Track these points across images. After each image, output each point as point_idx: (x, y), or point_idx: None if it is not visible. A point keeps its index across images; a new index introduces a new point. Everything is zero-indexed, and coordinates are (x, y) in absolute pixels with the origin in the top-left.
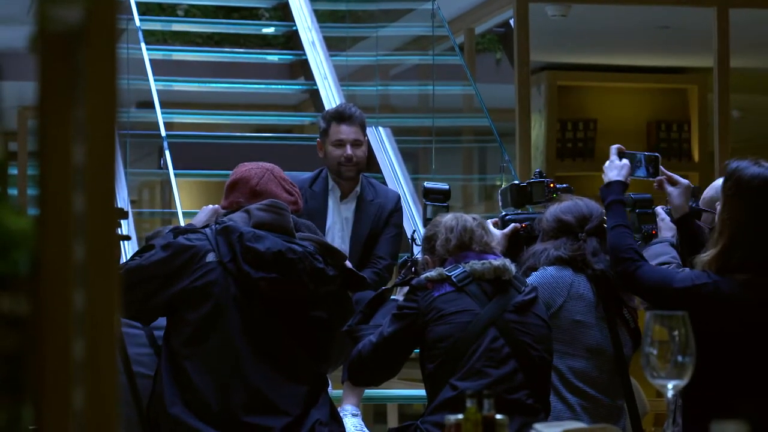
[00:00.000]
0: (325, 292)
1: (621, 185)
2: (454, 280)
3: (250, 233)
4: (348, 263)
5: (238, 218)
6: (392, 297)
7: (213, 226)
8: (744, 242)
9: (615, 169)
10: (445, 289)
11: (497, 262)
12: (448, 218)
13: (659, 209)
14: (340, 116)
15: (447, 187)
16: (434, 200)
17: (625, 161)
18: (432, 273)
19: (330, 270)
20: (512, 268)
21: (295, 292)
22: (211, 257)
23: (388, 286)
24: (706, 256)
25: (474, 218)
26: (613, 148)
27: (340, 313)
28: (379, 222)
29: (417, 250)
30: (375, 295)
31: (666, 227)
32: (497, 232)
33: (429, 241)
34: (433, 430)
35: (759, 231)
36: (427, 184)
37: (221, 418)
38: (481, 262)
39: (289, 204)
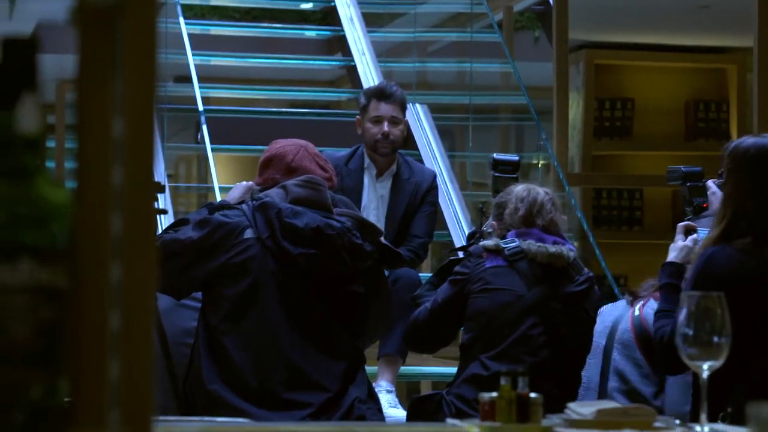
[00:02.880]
0: (362, 267)
1: (676, 267)
2: (507, 253)
3: (289, 209)
4: (383, 239)
5: (274, 194)
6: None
7: (250, 202)
8: (747, 213)
9: (676, 250)
10: (497, 262)
11: (553, 248)
12: (520, 188)
13: (710, 182)
14: (380, 93)
15: (517, 158)
16: (503, 171)
17: (689, 241)
18: (490, 242)
19: (367, 245)
20: (570, 255)
21: (334, 267)
22: (249, 233)
23: (458, 256)
24: (712, 234)
25: (546, 192)
26: (680, 226)
27: (376, 289)
28: (414, 200)
29: (487, 221)
30: (446, 263)
31: (717, 200)
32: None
33: (499, 208)
34: (458, 403)
35: (760, 199)
36: (496, 156)
37: (260, 395)
38: (538, 245)
39: (324, 180)
